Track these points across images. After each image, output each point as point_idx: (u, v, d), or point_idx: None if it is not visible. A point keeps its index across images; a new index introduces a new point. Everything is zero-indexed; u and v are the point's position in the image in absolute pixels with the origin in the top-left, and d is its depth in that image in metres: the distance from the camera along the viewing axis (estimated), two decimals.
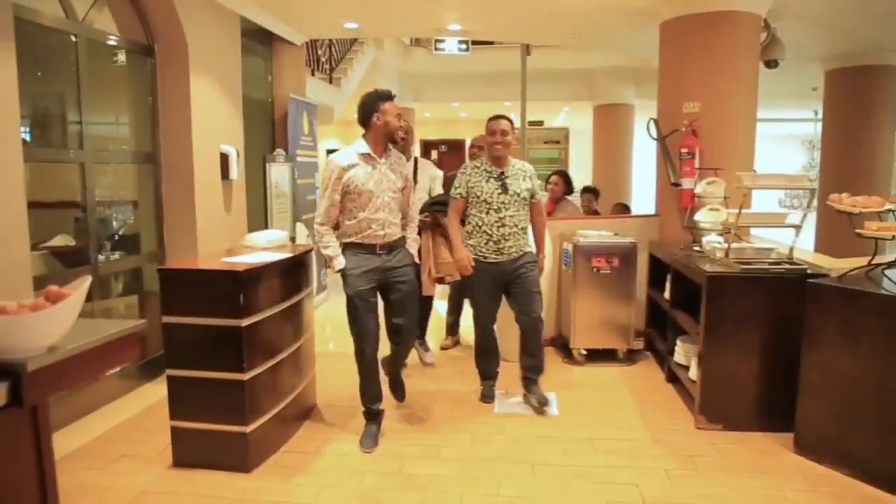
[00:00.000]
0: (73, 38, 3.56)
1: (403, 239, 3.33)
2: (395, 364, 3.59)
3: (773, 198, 11.80)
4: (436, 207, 4.19)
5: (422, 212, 4.04)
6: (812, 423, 3.09)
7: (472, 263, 3.62)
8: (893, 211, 3.18)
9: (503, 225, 3.55)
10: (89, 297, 3.68)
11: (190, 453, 2.98)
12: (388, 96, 3.21)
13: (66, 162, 3.72)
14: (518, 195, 3.57)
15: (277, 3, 5.07)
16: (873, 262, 3.12)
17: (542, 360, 3.78)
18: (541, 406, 3.68)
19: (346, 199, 3.16)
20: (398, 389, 3.71)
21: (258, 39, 5.79)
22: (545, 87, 10.30)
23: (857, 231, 3.04)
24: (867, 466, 2.86)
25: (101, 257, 3.96)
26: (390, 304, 3.29)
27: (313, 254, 3.73)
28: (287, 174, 5.85)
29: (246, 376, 2.90)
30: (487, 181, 3.58)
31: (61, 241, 4.11)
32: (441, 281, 4.27)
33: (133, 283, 4.50)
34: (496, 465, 3.06)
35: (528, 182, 3.62)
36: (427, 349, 4.73)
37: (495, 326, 3.86)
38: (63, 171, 3.85)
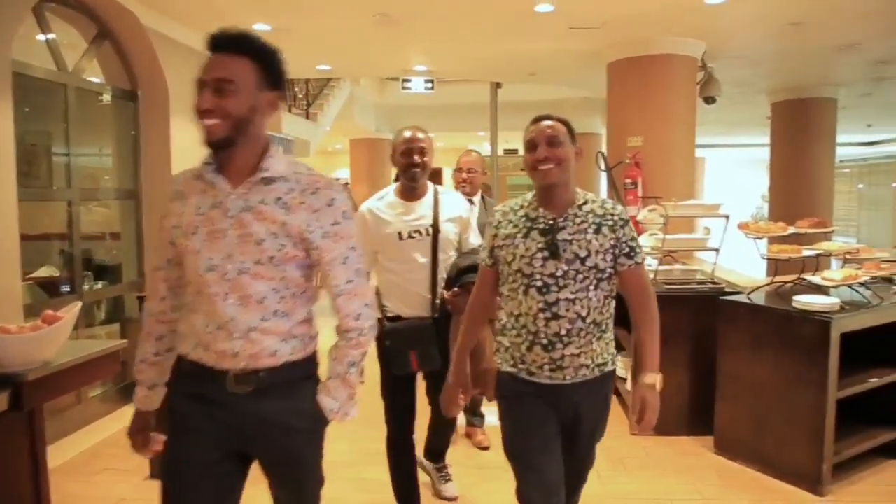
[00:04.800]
0: (63, 88, 3.92)
1: (304, 367, 1.61)
2: None
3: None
4: (469, 277, 2.40)
5: (448, 285, 2.53)
6: (727, 426, 3.46)
7: (464, 399, 2.18)
8: (826, 233, 3.61)
9: (555, 316, 1.89)
10: (75, 326, 4.00)
11: None
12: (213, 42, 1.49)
13: (56, 200, 4.06)
14: (582, 261, 1.89)
15: None
16: (774, 280, 3.53)
17: None
18: None
19: (174, 267, 1.61)
20: None
21: None
22: (517, 118, 10.57)
23: (762, 254, 3.45)
24: (773, 462, 3.23)
25: (85, 287, 4.27)
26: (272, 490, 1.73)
27: None
28: None
29: None
30: (527, 235, 1.93)
31: (45, 272, 4.44)
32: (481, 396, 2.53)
33: (115, 312, 4.81)
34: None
35: (605, 236, 1.91)
36: (448, 478, 3.13)
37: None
38: (50, 206, 4.18)
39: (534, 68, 6.39)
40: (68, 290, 4.10)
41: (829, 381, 3.02)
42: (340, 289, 1.58)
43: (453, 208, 2.67)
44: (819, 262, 3.54)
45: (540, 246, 1.90)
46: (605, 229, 1.91)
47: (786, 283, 3.59)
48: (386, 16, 4.37)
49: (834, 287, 3.33)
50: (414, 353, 2.50)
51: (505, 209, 2.05)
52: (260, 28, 4.68)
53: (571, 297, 1.89)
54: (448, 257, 2.61)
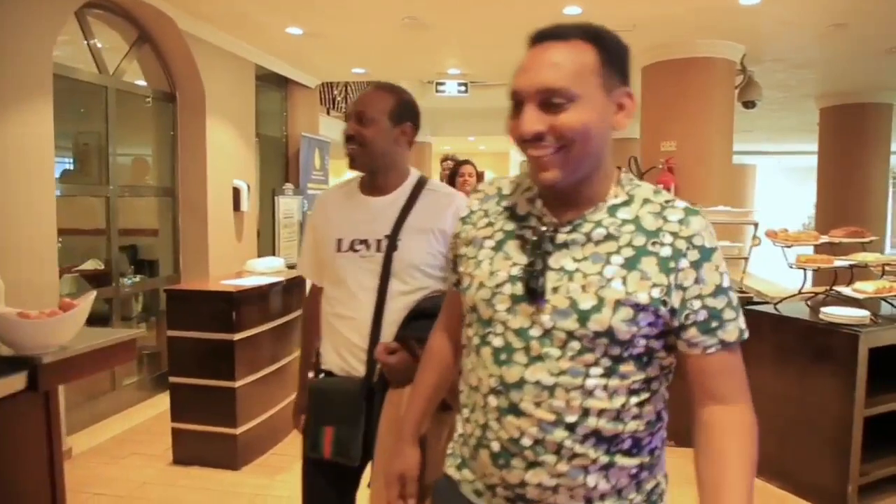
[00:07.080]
0: (104, 90, 4.11)
1: None
2: None
3: None
4: (419, 327, 1.51)
5: (398, 336, 1.59)
6: None
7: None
8: (864, 243, 3.46)
9: (513, 409, 0.99)
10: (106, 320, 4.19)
11: (187, 451, 3.39)
12: None
13: (96, 196, 4.25)
14: (581, 318, 0.95)
15: (289, 53, 5.61)
16: (804, 291, 3.40)
17: None
18: None
19: None
20: None
21: (274, 82, 6.35)
22: None
23: (790, 263, 3.33)
24: (796, 479, 3.11)
25: (126, 280, 4.47)
26: None
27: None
28: (295, 206, 6.34)
29: (237, 384, 3.31)
30: (500, 245, 1.05)
31: (91, 265, 4.65)
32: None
33: (152, 305, 4.99)
34: None
35: (644, 276, 0.95)
36: None
37: None
38: (98, 202, 4.38)
39: None
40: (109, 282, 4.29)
41: (857, 397, 2.89)
42: None
43: (434, 216, 1.64)
44: (854, 274, 3.39)
45: (514, 272, 1.01)
46: (648, 261, 0.96)
47: (816, 294, 3.45)
48: (414, 19, 4.41)
49: (865, 299, 3.19)
50: (330, 430, 1.62)
51: (489, 191, 1.15)
52: (293, 32, 4.79)
53: (549, 381, 0.97)
54: (417, 290, 1.61)
